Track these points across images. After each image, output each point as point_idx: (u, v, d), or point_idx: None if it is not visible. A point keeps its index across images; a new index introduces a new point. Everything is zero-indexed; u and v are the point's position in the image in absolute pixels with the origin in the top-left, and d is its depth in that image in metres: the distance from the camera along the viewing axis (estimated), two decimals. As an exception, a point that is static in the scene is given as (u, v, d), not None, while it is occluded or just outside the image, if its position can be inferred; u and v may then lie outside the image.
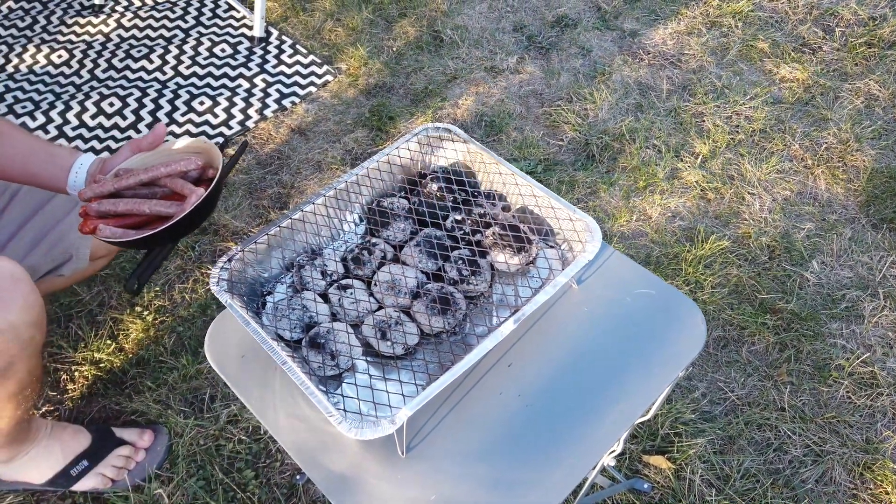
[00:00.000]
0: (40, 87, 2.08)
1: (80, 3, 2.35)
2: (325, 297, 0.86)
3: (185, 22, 2.26)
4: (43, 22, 2.29)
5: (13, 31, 2.27)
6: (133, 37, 2.22)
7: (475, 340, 0.78)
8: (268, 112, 1.97)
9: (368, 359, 0.83)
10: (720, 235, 1.57)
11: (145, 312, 1.54)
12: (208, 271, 1.61)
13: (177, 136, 1.93)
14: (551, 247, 0.89)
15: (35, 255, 1.16)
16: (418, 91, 1.98)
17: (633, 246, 1.56)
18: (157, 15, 2.29)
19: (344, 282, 0.87)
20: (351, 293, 0.85)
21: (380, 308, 0.85)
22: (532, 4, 2.19)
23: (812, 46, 1.94)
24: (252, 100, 2.01)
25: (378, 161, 0.92)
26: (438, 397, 0.75)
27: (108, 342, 1.49)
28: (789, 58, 1.92)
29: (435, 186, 0.92)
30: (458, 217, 0.90)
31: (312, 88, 2.03)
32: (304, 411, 0.82)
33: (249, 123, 1.95)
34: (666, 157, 1.74)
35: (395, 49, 2.10)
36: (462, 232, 0.89)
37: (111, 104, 2.01)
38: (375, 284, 0.87)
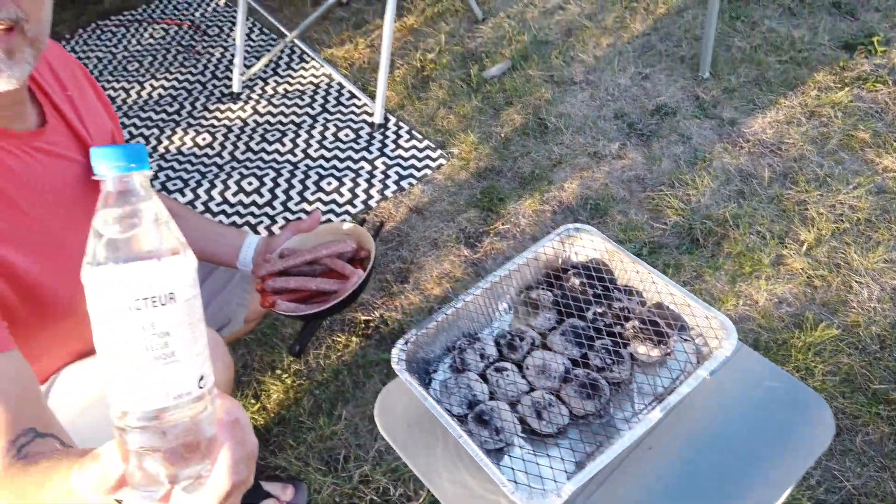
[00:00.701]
0: (188, 166, 2.36)
1: (221, 91, 2.65)
2: (483, 377, 0.98)
3: (313, 109, 2.51)
4: (189, 108, 2.60)
5: (163, 115, 2.58)
6: (267, 122, 2.49)
7: (620, 424, 0.88)
8: (388, 192, 2.17)
9: (523, 436, 0.94)
10: (829, 323, 1.62)
11: (284, 375, 1.71)
12: (339, 339, 1.77)
13: (308, 213, 2.14)
14: (686, 341, 0.99)
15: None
16: (525, 174, 2.13)
17: (741, 330, 1.62)
18: (288, 103, 2.56)
19: (499, 364, 0.99)
20: (506, 375, 0.97)
21: (532, 390, 0.97)
22: (632, 94, 2.33)
23: (914, 136, 1.99)
24: (373, 181, 2.21)
25: (526, 258, 1.05)
26: (581, 486, 0.85)
27: (253, 401, 1.66)
28: (891, 148, 1.97)
29: (577, 281, 1.04)
30: (599, 309, 1.01)
31: (427, 171, 2.22)
32: (466, 478, 0.94)
33: (371, 203, 2.14)
34: (770, 243, 1.81)
35: (502, 135, 2.27)
36: (603, 323, 1.00)
37: (249, 183, 2.26)
38: (527, 368, 0.98)
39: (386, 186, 2.19)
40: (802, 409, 0.95)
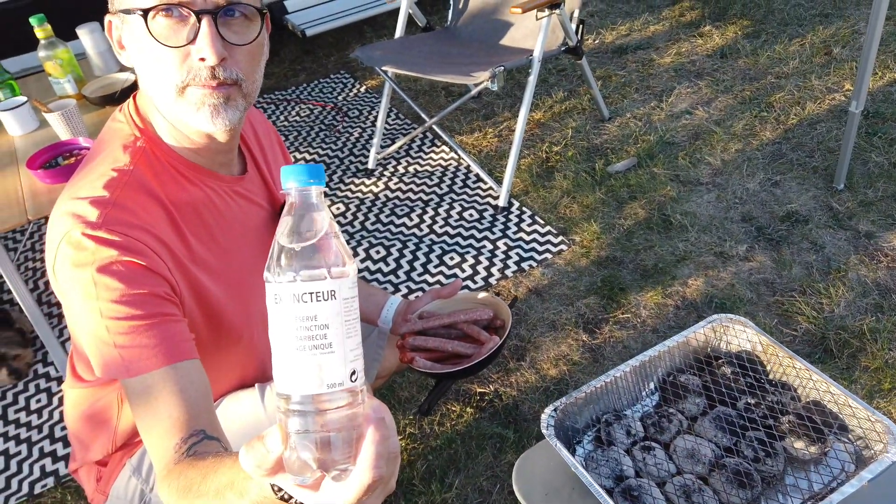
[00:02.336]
0: (322, 231, 2.52)
1: (356, 167, 2.85)
2: (629, 453, 0.98)
3: (441, 189, 2.65)
4: (326, 180, 2.80)
5: (303, 184, 2.79)
6: (397, 197, 2.64)
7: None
8: (508, 272, 2.23)
9: (669, 518, 0.93)
10: (983, 454, 1.49)
11: (399, 437, 1.74)
12: (454, 409, 1.79)
13: (430, 285, 2.23)
14: (845, 442, 0.96)
15: None
16: (648, 267, 2.14)
17: (883, 450, 1.52)
18: (418, 181, 2.71)
19: (645, 443, 0.99)
20: (653, 454, 0.97)
21: (678, 473, 0.96)
22: (761, 198, 2.33)
23: None
24: (494, 260, 2.28)
25: (676, 341, 1.07)
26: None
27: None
28: None
29: (728, 370, 1.03)
30: (752, 400, 1.00)
31: (548, 255, 2.27)
32: (605, 552, 0.92)
33: (492, 280, 2.21)
34: (913, 362, 1.72)
35: (625, 227, 2.31)
36: (756, 414, 0.98)
37: (377, 251, 2.38)
38: (674, 450, 0.98)
39: (507, 266, 2.25)
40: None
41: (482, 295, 1.36)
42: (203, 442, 0.86)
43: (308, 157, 2.97)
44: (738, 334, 1.08)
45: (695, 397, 1.02)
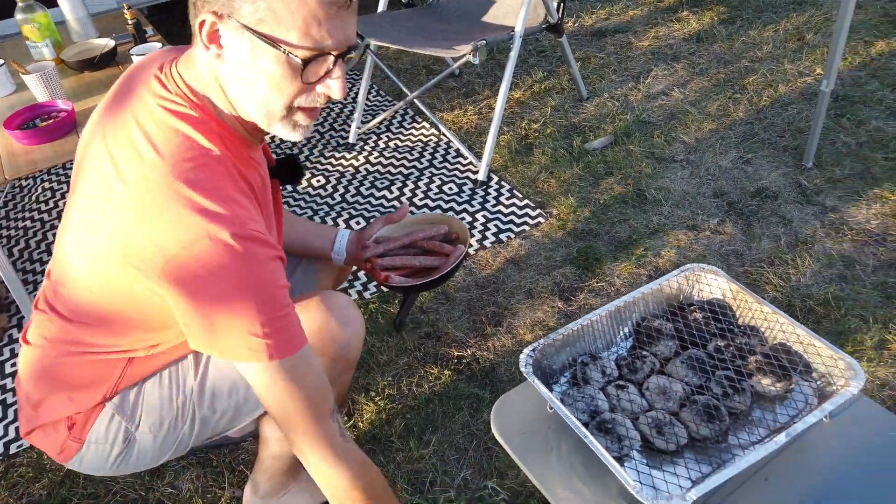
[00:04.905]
0: (302, 203, 2.53)
1: (337, 141, 2.86)
2: (603, 392, 1.02)
3: (421, 163, 2.67)
4: (307, 153, 2.81)
5: (283, 156, 2.79)
6: (377, 171, 2.66)
7: (737, 451, 0.90)
8: (486, 243, 2.26)
9: (640, 450, 0.97)
10: (937, 411, 1.57)
11: (378, 398, 1.77)
12: (432, 371, 1.82)
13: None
14: (808, 380, 1.00)
15: None
16: (622, 239, 2.19)
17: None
18: (398, 156, 2.73)
19: (619, 382, 1.03)
20: (627, 392, 1.01)
21: (651, 409, 1.00)
22: (733, 175, 2.39)
23: None
24: (474, 231, 2.31)
25: (651, 288, 1.11)
26: (704, 496, 0.87)
27: (346, 418, 1.72)
28: None
29: (700, 315, 1.08)
30: (721, 343, 1.05)
31: (526, 227, 2.31)
32: (579, 486, 0.96)
33: (470, 251, 2.23)
34: (874, 327, 1.78)
35: (601, 201, 2.35)
36: (725, 356, 1.03)
37: (357, 222, 2.40)
38: (647, 389, 1.02)
39: (485, 237, 2.28)
40: (928, 463, 0.95)
41: (430, 214, 1.49)
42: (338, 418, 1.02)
43: (288, 130, 2.97)
44: (710, 282, 1.12)
45: (667, 340, 1.07)
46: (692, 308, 1.10)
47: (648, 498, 0.82)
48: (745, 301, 1.08)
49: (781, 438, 0.87)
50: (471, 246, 1.49)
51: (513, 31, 2.42)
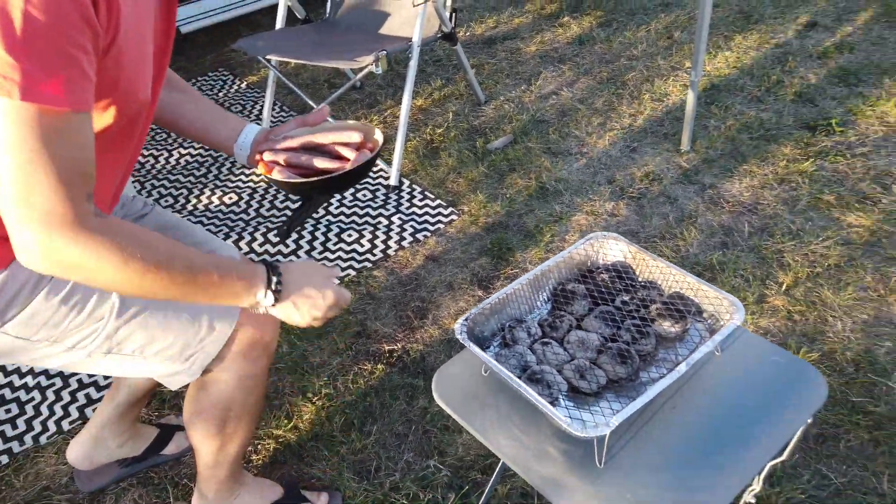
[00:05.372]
0: (216, 220, 2.54)
1: (245, 157, 2.88)
2: (531, 349, 1.14)
3: (332, 172, 2.74)
4: (216, 172, 2.81)
5: (191, 178, 2.78)
6: (290, 183, 2.70)
7: (649, 385, 1.04)
8: (404, 243, 2.36)
9: (567, 395, 1.09)
10: (809, 349, 1.81)
11: (315, 398, 1.82)
12: (365, 367, 1.90)
13: (331, 261, 2.31)
14: (700, 320, 1.17)
15: None
16: (530, 228, 2.35)
17: (735, 355, 1.80)
18: (309, 167, 2.78)
19: (544, 340, 1.15)
20: (551, 347, 1.13)
21: (572, 359, 1.13)
22: (622, 163, 2.61)
23: (873, 199, 2.27)
24: (391, 233, 2.41)
25: (563, 257, 1.24)
26: (622, 425, 1.00)
27: (286, 421, 1.77)
28: (854, 208, 2.25)
29: (606, 276, 1.22)
30: (626, 298, 1.20)
31: (440, 225, 2.43)
32: (518, 433, 1.08)
33: (390, 252, 2.33)
34: (753, 284, 2.02)
35: (507, 196, 2.51)
36: (630, 308, 1.18)
37: (275, 234, 2.43)
38: (568, 343, 1.15)
39: (403, 238, 2.38)
40: (801, 378, 1.12)
41: (351, 122, 1.28)
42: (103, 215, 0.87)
43: (193, 151, 2.96)
44: (612, 247, 1.27)
45: (581, 300, 1.20)
46: (599, 270, 1.24)
47: (579, 429, 0.94)
48: (643, 260, 1.24)
49: (682, 368, 1.02)
50: (380, 157, 1.06)
51: (410, 41, 2.55)
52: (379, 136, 1.22)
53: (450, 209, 2.49)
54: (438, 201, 2.53)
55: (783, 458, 1.15)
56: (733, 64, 3.13)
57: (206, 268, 0.97)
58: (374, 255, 2.32)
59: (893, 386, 1.71)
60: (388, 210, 2.52)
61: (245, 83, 3.52)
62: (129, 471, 1.64)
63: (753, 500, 1.24)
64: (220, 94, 3.42)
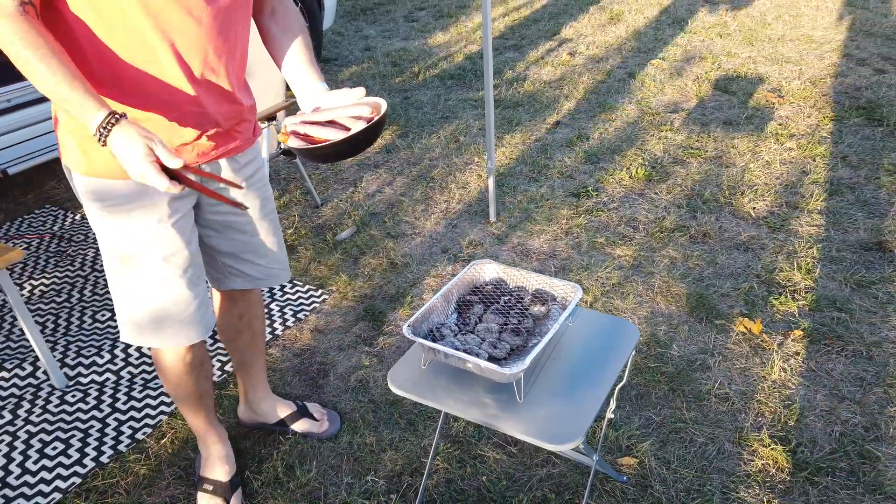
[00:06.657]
0: (95, 337, 2.66)
1: (107, 278, 3.02)
2: (455, 339, 1.64)
3: (201, 278, 3.01)
4: (89, 292, 2.92)
5: (65, 302, 2.86)
6: (162, 293, 2.91)
7: (535, 346, 1.60)
8: (289, 323, 2.71)
9: (486, 361, 1.60)
10: (616, 339, 2.51)
11: (261, 449, 2.08)
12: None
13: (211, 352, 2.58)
14: (556, 304, 1.76)
15: None
16: (393, 294, 2.85)
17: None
18: (177, 276, 3.02)
19: (461, 332, 1.66)
20: (468, 336, 1.64)
21: (484, 341, 1.65)
22: (450, 237, 3.26)
23: (628, 237, 3.15)
24: (274, 317, 2.75)
25: (460, 279, 1.78)
26: (527, 371, 1.53)
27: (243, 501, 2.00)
28: (618, 244, 3.10)
29: (491, 287, 1.78)
30: (507, 298, 1.76)
31: (316, 304, 2.83)
32: (458, 394, 1.55)
33: (278, 332, 2.67)
34: (568, 305, 2.72)
35: (366, 273, 3.00)
36: (511, 303, 1.74)
37: (164, 336, 2.64)
38: (478, 332, 1.66)
39: (286, 319, 2.74)
40: (623, 329, 1.75)
41: (367, 98, 1.47)
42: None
43: (58, 279, 3.02)
44: (489, 268, 1.83)
45: (477, 305, 1.73)
46: (485, 283, 1.79)
47: (507, 370, 1.45)
48: (510, 272, 1.82)
49: (553, 331, 1.58)
50: (381, 125, 1.43)
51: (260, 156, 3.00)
52: (384, 105, 1.43)
53: (320, 290, 2.90)
54: (308, 286, 2.94)
55: (623, 381, 1.76)
56: (510, 156, 4.03)
57: (63, 96, 1.18)
58: (269, 335, 2.64)
59: (674, 353, 2.46)
60: (264, 300, 2.85)
61: (80, 215, 3.63)
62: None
63: (613, 416, 1.82)
64: (56, 227, 3.50)
